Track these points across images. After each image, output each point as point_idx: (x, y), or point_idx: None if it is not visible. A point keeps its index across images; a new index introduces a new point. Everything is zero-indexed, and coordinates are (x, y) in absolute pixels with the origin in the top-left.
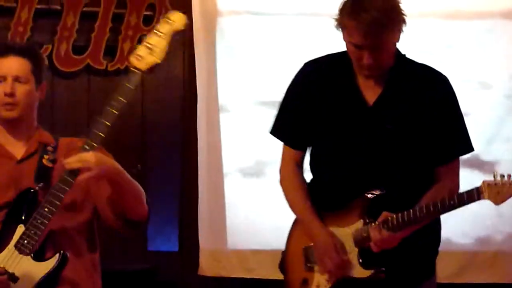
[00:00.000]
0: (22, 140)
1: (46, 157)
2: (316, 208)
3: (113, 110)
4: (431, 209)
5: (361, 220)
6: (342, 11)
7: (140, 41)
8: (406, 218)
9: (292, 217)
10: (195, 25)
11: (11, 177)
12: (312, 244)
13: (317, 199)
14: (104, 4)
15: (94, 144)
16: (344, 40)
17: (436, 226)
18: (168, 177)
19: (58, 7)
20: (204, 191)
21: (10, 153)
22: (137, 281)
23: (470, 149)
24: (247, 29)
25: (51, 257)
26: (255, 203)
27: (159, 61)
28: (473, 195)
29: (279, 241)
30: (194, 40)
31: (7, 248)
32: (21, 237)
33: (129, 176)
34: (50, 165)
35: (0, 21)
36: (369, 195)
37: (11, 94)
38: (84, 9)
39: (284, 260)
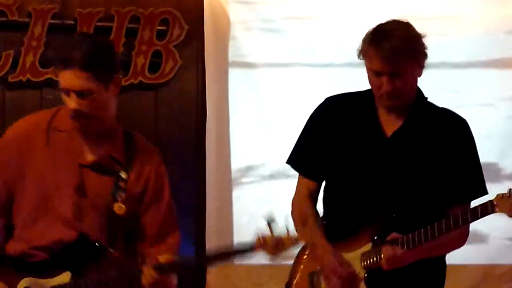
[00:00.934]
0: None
1: (119, 199)
2: (327, 238)
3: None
4: (443, 226)
5: (370, 243)
6: (365, 39)
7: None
8: (417, 236)
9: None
10: (206, 40)
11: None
12: (318, 268)
13: (330, 231)
14: (117, 19)
15: (173, 271)
16: (366, 70)
17: (441, 263)
18: (182, 193)
19: (72, 22)
20: (212, 206)
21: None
22: None
23: (484, 193)
24: (260, 42)
25: None
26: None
27: (269, 254)
28: (487, 208)
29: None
30: (205, 54)
31: (43, 281)
32: (61, 286)
33: None
34: (121, 212)
35: (13, 35)
36: (379, 220)
37: (76, 111)
38: (98, 24)
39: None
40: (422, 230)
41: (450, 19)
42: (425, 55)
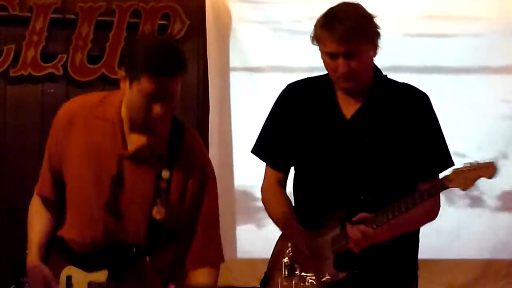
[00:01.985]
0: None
1: (158, 202)
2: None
3: None
4: (408, 202)
5: (339, 227)
6: (317, 24)
7: None
8: (383, 214)
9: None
10: (208, 35)
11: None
12: (290, 252)
13: (301, 218)
14: (118, 13)
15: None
16: (321, 54)
17: (414, 239)
18: None
19: (73, 17)
20: None
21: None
22: None
23: (451, 164)
24: (261, 38)
25: None
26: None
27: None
28: (443, 184)
29: None
30: (208, 50)
31: (86, 273)
32: (96, 283)
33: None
34: (160, 217)
35: (15, 30)
36: (347, 202)
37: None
38: (99, 18)
39: (267, 277)
40: (387, 207)
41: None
42: (378, 35)
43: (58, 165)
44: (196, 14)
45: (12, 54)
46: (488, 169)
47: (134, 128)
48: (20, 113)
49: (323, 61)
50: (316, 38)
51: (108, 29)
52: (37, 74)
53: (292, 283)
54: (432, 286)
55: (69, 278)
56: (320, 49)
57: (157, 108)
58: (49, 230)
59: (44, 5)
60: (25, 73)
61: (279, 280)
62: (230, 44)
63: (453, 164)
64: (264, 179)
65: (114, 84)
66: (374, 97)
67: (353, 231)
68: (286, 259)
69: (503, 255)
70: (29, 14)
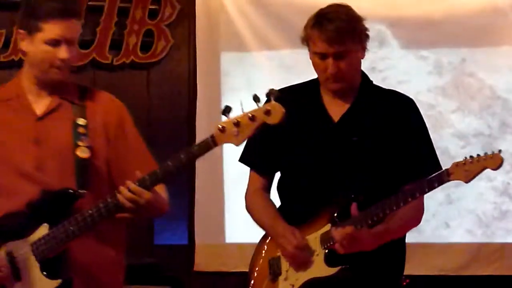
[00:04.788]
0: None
1: (80, 144)
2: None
3: (171, 165)
4: (399, 198)
5: (329, 224)
6: (307, 25)
7: (145, 35)
8: (371, 212)
9: None
10: (198, 19)
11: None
12: (278, 254)
13: (288, 218)
14: None
15: (149, 185)
16: (310, 55)
17: (401, 245)
18: None
19: None
20: (202, 183)
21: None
22: (142, 275)
23: (438, 168)
24: (252, 21)
25: (58, 275)
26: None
27: (236, 145)
28: (443, 177)
29: None
30: (197, 35)
31: (24, 240)
32: (40, 239)
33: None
34: (86, 155)
35: (4, 15)
36: (337, 199)
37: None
38: (90, 3)
39: (249, 281)
40: (375, 205)
41: None
42: (367, 37)
43: None
44: None
45: (2, 39)
46: (494, 160)
47: (43, 87)
48: None
49: (312, 62)
50: (307, 38)
51: (99, 13)
52: None
53: (277, 283)
54: (423, 270)
55: (9, 253)
56: (309, 50)
57: (63, 53)
58: None
59: None
60: (16, 58)
61: (265, 281)
62: (220, 27)
63: (441, 168)
64: (248, 186)
65: (104, 68)
66: (361, 99)
67: (337, 232)
68: (271, 259)
69: (494, 239)
70: None
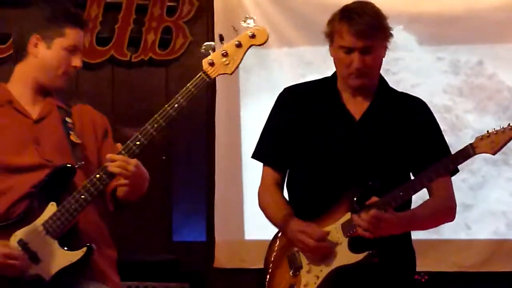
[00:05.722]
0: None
1: (72, 133)
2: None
3: (171, 111)
4: (422, 177)
5: (349, 212)
6: (333, 18)
7: (164, 32)
8: (395, 194)
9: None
10: (216, 16)
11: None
12: (295, 249)
13: (300, 214)
14: None
15: (136, 150)
16: (334, 50)
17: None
18: (195, 167)
19: None
20: (221, 180)
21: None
22: (161, 272)
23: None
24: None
25: (77, 246)
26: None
27: (230, 74)
28: (468, 151)
29: None
30: (215, 31)
31: (33, 223)
32: (51, 217)
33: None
34: (78, 141)
35: (15, 12)
36: (355, 187)
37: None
38: (108, 0)
39: (266, 277)
40: (397, 188)
41: None
42: (391, 36)
43: None
44: None
45: None
46: None
47: (39, 93)
48: None
49: (335, 57)
50: (332, 32)
51: (117, 10)
52: None
53: (300, 277)
54: (442, 267)
55: (20, 240)
56: (333, 45)
57: (77, 61)
58: None
59: None
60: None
61: (287, 277)
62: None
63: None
64: (261, 182)
65: (122, 65)
66: (379, 99)
67: (361, 217)
68: (290, 255)
69: None
70: None
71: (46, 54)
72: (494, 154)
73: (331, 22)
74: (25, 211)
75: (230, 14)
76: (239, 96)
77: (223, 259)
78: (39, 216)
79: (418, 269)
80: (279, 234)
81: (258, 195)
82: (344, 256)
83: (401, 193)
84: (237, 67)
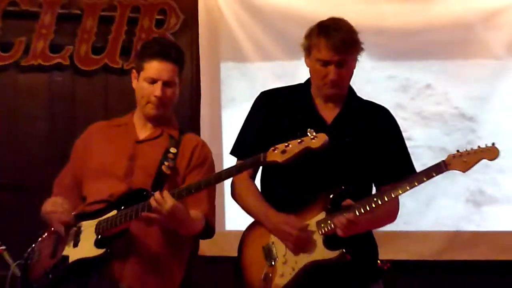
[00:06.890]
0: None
1: (166, 164)
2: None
3: (223, 176)
4: (398, 186)
5: (324, 212)
6: (311, 33)
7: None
8: (370, 200)
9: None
10: (200, 29)
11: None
12: (271, 240)
13: (277, 205)
14: (120, 9)
15: (181, 194)
16: (310, 62)
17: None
18: None
19: (79, 12)
20: None
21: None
22: None
23: (412, 171)
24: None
25: (103, 247)
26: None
27: (279, 163)
28: (441, 167)
29: None
30: (200, 42)
31: (95, 220)
32: (106, 219)
33: (191, 221)
34: (168, 172)
35: (25, 24)
36: (331, 191)
37: (160, 98)
38: (102, 13)
39: (240, 265)
40: (373, 195)
41: None
42: (362, 50)
43: (79, 171)
44: (190, 10)
45: (23, 46)
46: (491, 152)
47: (149, 120)
48: (30, 100)
49: (311, 68)
50: (310, 45)
51: (110, 23)
52: (46, 64)
53: (275, 267)
54: (404, 256)
55: (79, 227)
56: (311, 57)
57: (157, 91)
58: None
59: (52, 1)
60: (35, 63)
61: (263, 268)
62: (221, 36)
63: (415, 171)
64: (234, 177)
65: (115, 73)
66: (349, 105)
67: (339, 219)
68: (265, 246)
69: (469, 227)
70: (38, 9)
71: (136, 86)
72: (464, 172)
73: (308, 36)
74: (96, 210)
75: (213, 27)
76: (220, 104)
77: (206, 248)
78: (102, 216)
79: (382, 257)
80: (253, 227)
81: (232, 185)
82: (319, 252)
83: (375, 199)
84: (290, 159)
